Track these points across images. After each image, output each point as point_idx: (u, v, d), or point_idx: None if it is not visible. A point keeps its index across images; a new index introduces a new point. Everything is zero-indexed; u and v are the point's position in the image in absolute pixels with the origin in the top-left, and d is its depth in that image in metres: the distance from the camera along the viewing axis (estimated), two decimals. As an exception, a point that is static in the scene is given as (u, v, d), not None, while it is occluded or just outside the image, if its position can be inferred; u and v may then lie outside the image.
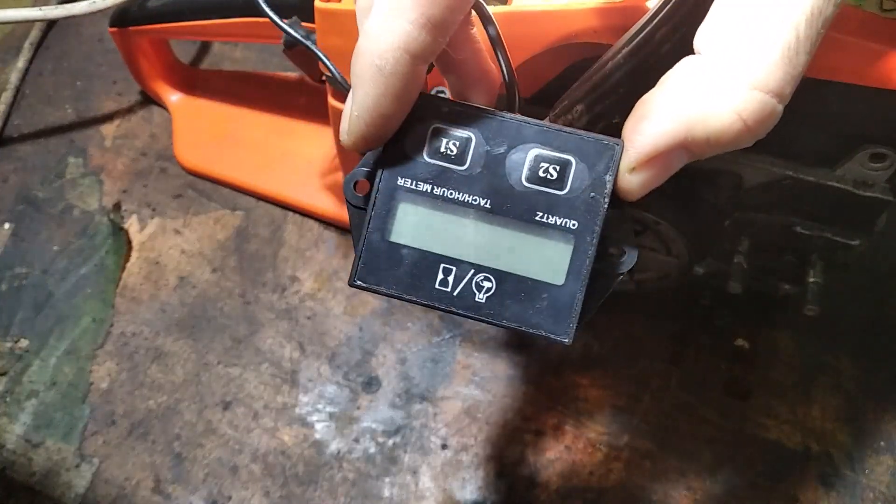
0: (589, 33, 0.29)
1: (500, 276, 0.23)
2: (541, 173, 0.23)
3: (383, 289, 0.23)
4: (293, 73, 0.54)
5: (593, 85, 0.25)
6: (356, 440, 0.43)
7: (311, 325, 0.47)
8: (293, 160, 0.51)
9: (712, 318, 0.46)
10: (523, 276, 0.23)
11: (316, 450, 0.43)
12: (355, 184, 0.24)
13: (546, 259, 0.23)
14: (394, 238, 0.23)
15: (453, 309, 0.23)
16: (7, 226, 0.51)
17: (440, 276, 0.23)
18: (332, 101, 0.37)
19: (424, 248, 0.23)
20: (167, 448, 0.43)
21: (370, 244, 0.24)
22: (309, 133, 0.51)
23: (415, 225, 0.23)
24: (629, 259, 0.23)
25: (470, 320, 0.24)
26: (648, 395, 0.44)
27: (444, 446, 0.43)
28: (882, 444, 0.42)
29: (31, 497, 0.42)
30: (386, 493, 0.42)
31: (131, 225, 0.51)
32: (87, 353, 0.46)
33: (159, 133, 0.54)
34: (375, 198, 0.24)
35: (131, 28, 0.48)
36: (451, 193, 0.23)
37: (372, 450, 0.43)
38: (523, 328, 0.23)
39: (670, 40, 0.24)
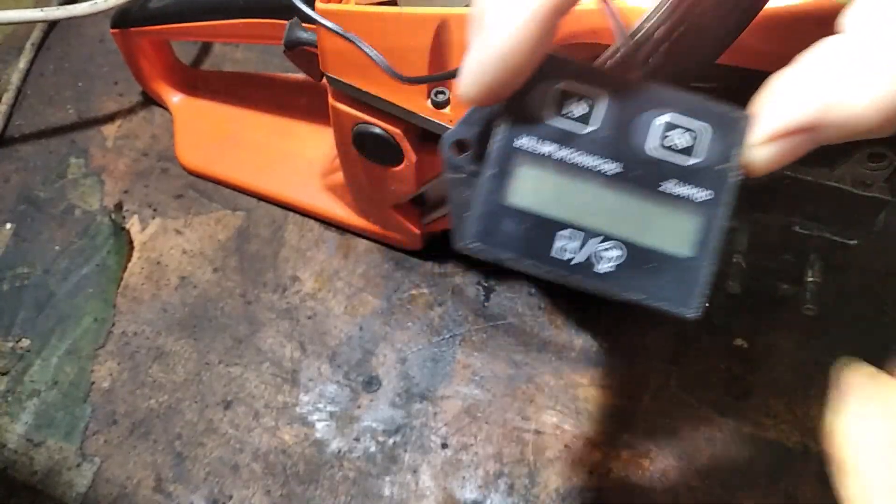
0: (588, 34, 0.29)
1: (625, 246, 0.22)
2: (669, 141, 0.22)
3: (497, 252, 0.22)
4: (294, 74, 0.54)
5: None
6: (357, 439, 0.44)
7: (312, 325, 0.47)
8: (294, 160, 0.51)
9: (712, 318, 0.46)
10: (649, 247, 0.22)
11: (316, 449, 0.43)
12: (455, 144, 0.23)
13: (674, 230, 0.22)
14: (511, 200, 0.22)
15: (572, 278, 0.22)
16: (8, 226, 0.51)
17: (560, 242, 0.22)
18: (332, 102, 0.38)
19: (544, 213, 0.22)
20: (168, 447, 0.43)
21: (485, 204, 0.22)
22: (310, 134, 0.51)
23: (535, 187, 0.22)
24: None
25: (587, 292, 0.22)
26: (648, 395, 0.44)
27: (444, 445, 0.43)
28: (881, 443, 0.42)
29: (32, 496, 0.42)
30: (386, 491, 0.42)
31: (133, 225, 0.51)
32: (88, 353, 0.46)
33: (160, 134, 0.54)
34: (492, 156, 0.22)
35: (132, 29, 0.49)
36: (575, 157, 0.22)
37: (372, 449, 0.43)
38: (648, 301, 0.22)
39: None
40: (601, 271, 0.22)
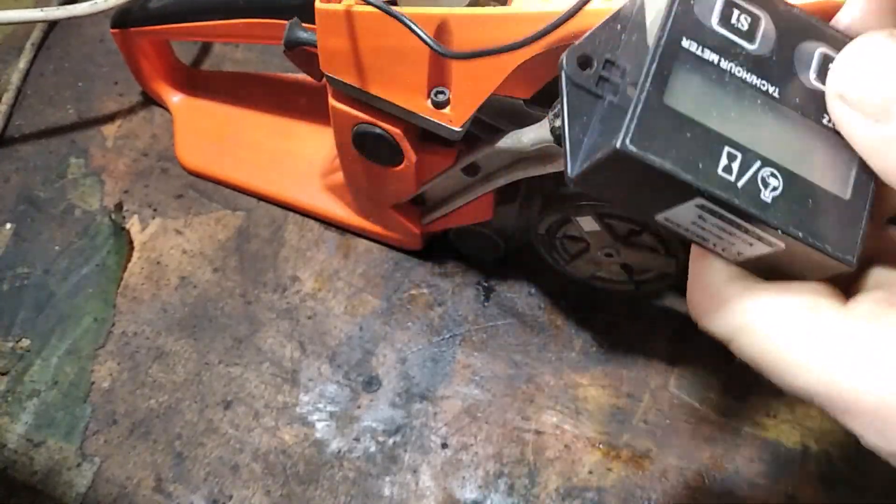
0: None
1: (788, 175, 0.20)
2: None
3: (658, 159, 0.19)
4: (294, 74, 0.54)
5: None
6: (356, 439, 0.44)
7: (312, 325, 0.47)
8: (294, 160, 0.51)
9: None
10: (811, 182, 0.20)
11: (316, 449, 0.43)
12: (579, 58, 0.22)
13: (833, 168, 0.20)
14: (672, 103, 0.20)
15: (738, 202, 0.20)
16: (8, 226, 0.51)
17: (724, 160, 0.20)
18: (332, 102, 0.38)
19: (707, 124, 0.20)
20: (168, 447, 0.43)
21: (646, 105, 0.20)
22: (310, 134, 0.51)
23: (698, 95, 0.20)
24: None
25: (748, 221, 0.20)
26: (647, 395, 0.44)
27: (444, 445, 0.43)
28: (880, 443, 0.42)
29: (32, 496, 0.42)
30: (386, 491, 0.42)
31: (133, 225, 0.51)
32: (88, 353, 0.46)
33: (160, 134, 0.54)
34: (656, 53, 0.20)
35: (132, 29, 0.49)
36: (738, 71, 0.20)
37: (372, 449, 0.43)
38: (809, 239, 0.20)
39: None
40: (766, 199, 0.20)
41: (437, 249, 0.48)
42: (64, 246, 0.50)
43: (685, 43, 0.20)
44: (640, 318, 0.47)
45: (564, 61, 0.22)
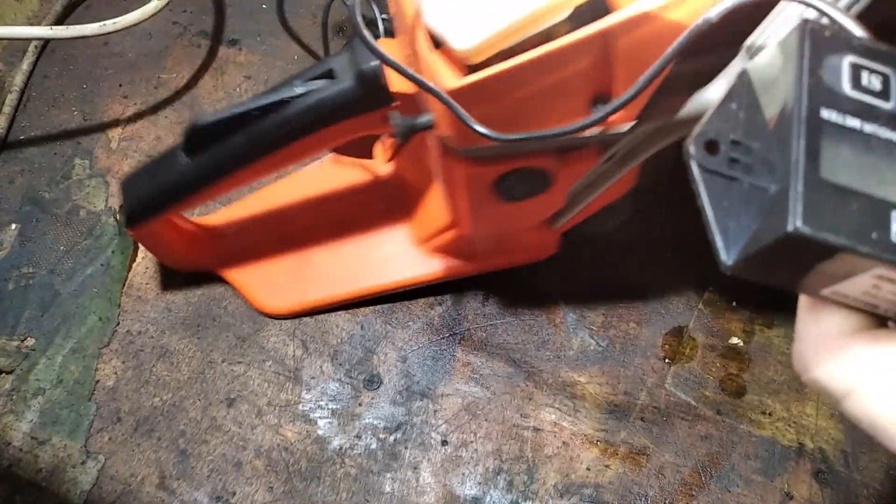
0: None
1: None
2: None
3: (833, 237, 0.19)
4: (313, 164, 0.50)
5: None
6: (358, 436, 0.44)
7: (314, 324, 0.47)
8: (376, 248, 0.47)
9: (707, 316, 0.47)
10: None
11: (318, 446, 0.44)
12: (706, 144, 0.21)
13: None
14: (830, 177, 0.19)
15: None
16: (14, 226, 0.51)
17: (894, 226, 0.19)
18: (465, 170, 0.35)
19: (868, 191, 0.19)
20: (172, 445, 0.44)
21: (807, 182, 0.19)
22: (374, 217, 0.48)
23: (851, 163, 0.20)
24: None
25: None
26: (644, 392, 0.45)
27: (444, 442, 0.44)
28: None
29: (37, 493, 0.43)
30: (387, 488, 0.43)
31: (136, 225, 0.51)
32: (93, 352, 0.47)
33: (165, 135, 0.55)
34: (800, 128, 0.20)
35: (158, 217, 0.42)
36: (882, 132, 0.20)
37: (373, 446, 0.44)
38: None
39: None
40: None
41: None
42: (69, 246, 0.51)
43: (825, 114, 0.20)
44: (636, 315, 0.47)
45: (692, 150, 0.22)
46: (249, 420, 0.45)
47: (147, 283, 0.49)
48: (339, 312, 0.48)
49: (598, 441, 0.44)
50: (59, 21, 0.59)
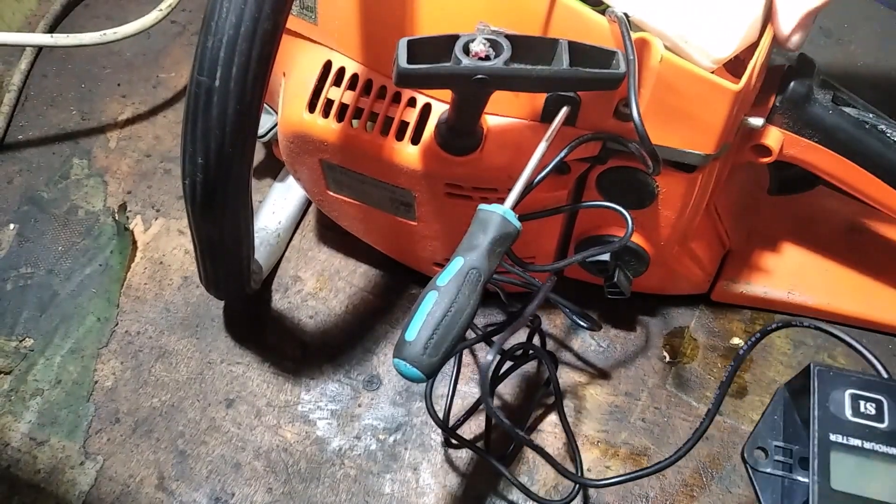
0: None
1: None
2: None
3: None
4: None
5: None
6: (357, 437, 0.44)
7: (313, 324, 0.47)
8: None
9: (708, 317, 0.47)
10: None
11: (318, 447, 0.44)
12: (757, 450, 0.29)
13: None
14: (838, 486, 0.26)
15: None
16: (12, 226, 0.51)
17: None
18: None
19: (870, 496, 0.26)
20: (171, 445, 0.44)
21: (821, 493, 0.26)
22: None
23: (854, 474, 0.26)
24: None
25: None
26: (645, 393, 0.45)
27: (444, 443, 0.44)
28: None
29: (35, 494, 0.43)
30: (387, 489, 0.42)
31: (136, 225, 0.51)
32: (91, 352, 0.47)
33: (163, 135, 0.55)
34: (814, 450, 0.27)
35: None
36: (878, 447, 0.27)
37: (373, 447, 0.44)
38: None
39: None
40: None
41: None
42: (67, 246, 0.50)
43: (833, 437, 0.27)
44: (637, 317, 0.47)
45: (746, 455, 0.29)
46: (248, 421, 0.44)
47: (146, 284, 0.49)
48: (339, 313, 0.48)
49: (598, 442, 0.43)
50: (58, 20, 0.59)
